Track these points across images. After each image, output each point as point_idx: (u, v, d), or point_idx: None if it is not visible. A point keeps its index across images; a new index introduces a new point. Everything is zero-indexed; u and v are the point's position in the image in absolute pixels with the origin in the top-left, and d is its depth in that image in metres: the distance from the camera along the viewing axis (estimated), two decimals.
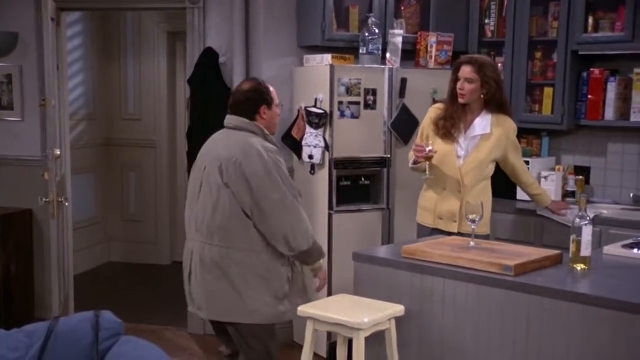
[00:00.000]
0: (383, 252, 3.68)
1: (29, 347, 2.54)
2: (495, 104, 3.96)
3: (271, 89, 3.48)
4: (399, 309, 3.16)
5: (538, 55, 4.95)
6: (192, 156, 4.19)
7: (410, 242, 3.59)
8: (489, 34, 5.16)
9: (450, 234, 3.88)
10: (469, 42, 5.18)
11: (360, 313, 3.09)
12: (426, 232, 4.04)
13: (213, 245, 3.29)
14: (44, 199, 4.57)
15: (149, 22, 7.16)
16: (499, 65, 4.95)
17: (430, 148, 3.88)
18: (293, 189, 3.33)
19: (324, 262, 3.52)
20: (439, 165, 3.95)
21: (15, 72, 5.41)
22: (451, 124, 3.96)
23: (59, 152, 4.64)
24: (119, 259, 7.45)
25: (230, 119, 3.44)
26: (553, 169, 4.94)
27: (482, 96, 3.93)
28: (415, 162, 4.02)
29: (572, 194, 4.82)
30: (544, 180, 4.81)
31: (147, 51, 7.24)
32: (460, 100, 3.95)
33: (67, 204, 4.77)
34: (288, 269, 3.42)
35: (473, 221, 3.34)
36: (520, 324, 2.89)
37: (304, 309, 3.20)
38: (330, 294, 4.59)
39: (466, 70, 3.92)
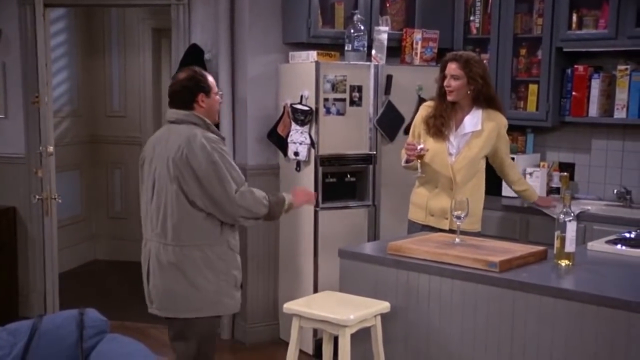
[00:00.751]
0: (369, 248, 3.69)
1: (12, 345, 2.52)
2: (483, 99, 3.96)
3: (209, 77, 3.42)
4: (384, 306, 3.17)
5: (522, 52, 4.97)
6: None
7: (396, 238, 3.59)
8: (474, 31, 5.18)
9: (441, 230, 3.88)
10: (454, 39, 5.20)
11: (345, 310, 3.09)
12: (417, 228, 4.05)
13: (167, 244, 3.28)
14: (37, 196, 4.53)
15: (134, 18, 7.12)
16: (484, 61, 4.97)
17: (421, 146, 3.89)
18: (239, 177, 3.32)
19: (288, 199, 3.48)
20: (430, 163, 3.96)
21: None
22: (441, 122, 3.96)
23: (51, 149, 4.60)
24: (105, 257, 7.41)
25: (170, 113, 3.40)
26: (538, 166, 4.97)
27: (468, 92, 3.94)
28: (407, 161, 4.02)
29: (557, 190, 4.85)
30: (528, 176, 4.83)
31: (131, 48, 7.20)
32: (449, 98, 3.95)
33: (59, 201, 4.73)
34: (238, 256, 3.43)
35: (458, 217, 3.35)
36: (505, 320, 2.91)
37: (290, 306, 3.20)
38: (315, 290, 4.60)
39: (452, 67, 3.92)
